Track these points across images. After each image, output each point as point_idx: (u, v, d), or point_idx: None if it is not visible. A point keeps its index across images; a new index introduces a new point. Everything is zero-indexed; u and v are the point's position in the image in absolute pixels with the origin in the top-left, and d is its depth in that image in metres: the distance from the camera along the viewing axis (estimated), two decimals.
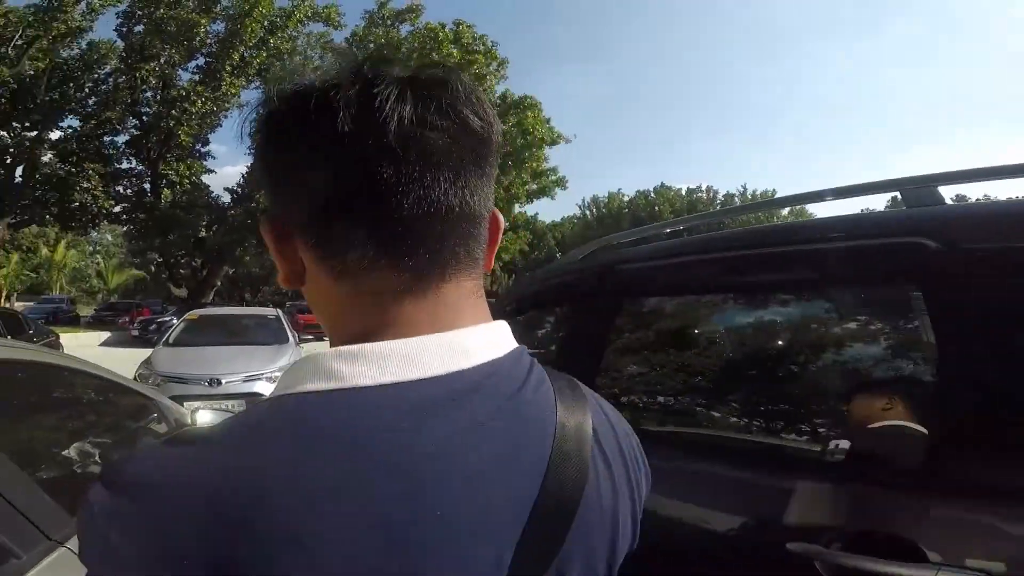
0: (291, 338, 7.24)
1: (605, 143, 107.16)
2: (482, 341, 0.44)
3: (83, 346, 16.21)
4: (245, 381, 5.75)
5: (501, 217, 0.51)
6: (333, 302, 0.45)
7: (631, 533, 0.51)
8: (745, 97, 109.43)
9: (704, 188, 54.19)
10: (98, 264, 51.61)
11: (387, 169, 0.40)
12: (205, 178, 23.14)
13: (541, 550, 0.41)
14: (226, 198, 24.21)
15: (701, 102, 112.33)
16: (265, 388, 5.68)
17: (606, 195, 55.09)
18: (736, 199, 52.49)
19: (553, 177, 28.53)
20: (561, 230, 60.11)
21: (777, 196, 51.94)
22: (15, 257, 42.16)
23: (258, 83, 22.58)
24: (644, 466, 0.55)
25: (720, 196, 53.34)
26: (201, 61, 20.42)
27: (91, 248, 52.09)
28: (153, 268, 28.11)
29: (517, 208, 32.03)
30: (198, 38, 19.02)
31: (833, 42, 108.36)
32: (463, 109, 0.43)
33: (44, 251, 44.56)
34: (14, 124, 19.73)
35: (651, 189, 54.05)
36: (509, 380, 0.44)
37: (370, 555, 0.34)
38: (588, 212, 56.08)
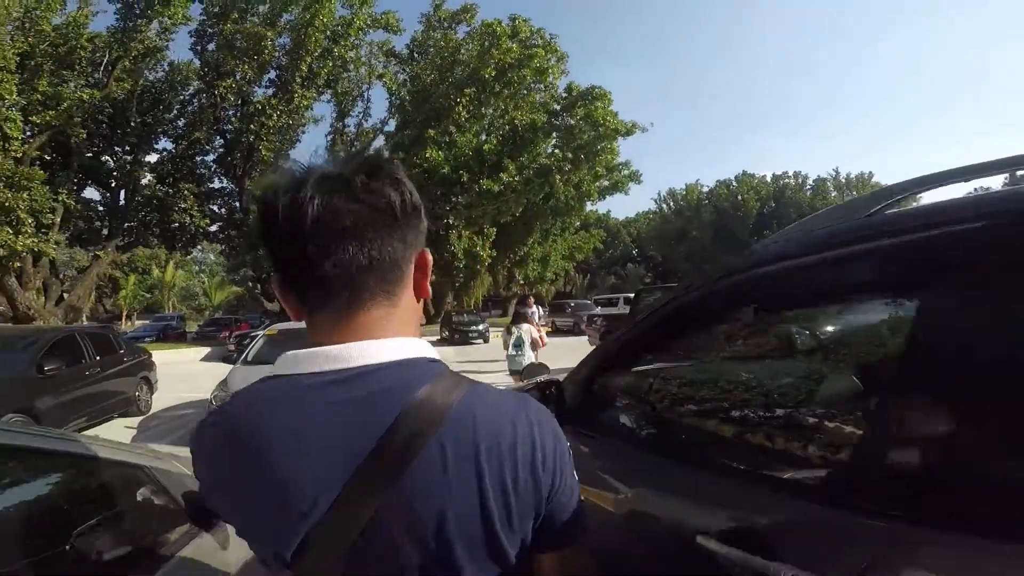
0: None
1: (677, 136, 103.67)
2: (367, 352, 0.63)
3: (186, 361, 17.05)
4: None
5: (429, 256, 0.70)
6: (307, 327, 0.68)
7: (478, 519, 0.60)
8: (832, 79, 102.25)
9: (792, 174, 50.65)
10: (203, 283, 55.53)
11: (309, 245, 0.61)
12: None
13: (363, 493, 0.58)
14: None
15: (780, 87, 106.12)
16: None
17: (683, 187, 52.49)
18: (829, 184, 48.93)
19: (626, 171, 27.30)
20: (636, 226, 58.16)
21: (874, 179, 48.26)
22: (132, 279, 46.10)
23: (329, 95, 23.24)
24: (529, 474, 0.62)
25: (810, 181, 49.77)
26: (273, 75, 21.33)
27: (197, 268, 56.28)
28: (249, 284, 29.58)
29: (589, 206, 30.94)
30: (266, 51, 19.81)
31: (929, 17, 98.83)
32: (363, 195, 0.62)
33: (156, 272, 48.46)
34: (115, 148, 21.35)
35: (732, 178, 50.79)
36: (380, 378, 0.61)
37: (226, 468, 0.63)
38: (665, 206, 53.88)
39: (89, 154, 20.71)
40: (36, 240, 15.38)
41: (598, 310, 22.29)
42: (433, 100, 20.24)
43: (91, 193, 22.72)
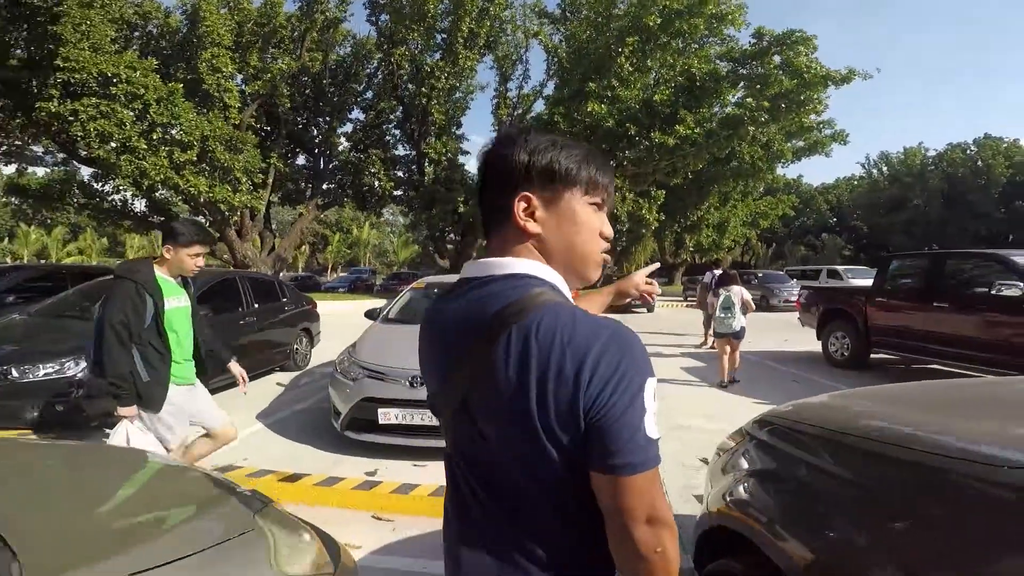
0: None
1: (887, 93, 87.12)
2: (494, 266, 0.85)
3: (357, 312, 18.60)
4: None
5: (524, 202, 0.86)
6: None
7: (534, 420, 0.74)
8: None
9: None
10: (392, 241, 61.48)
11: (480, 193, 0.92)
12: (462, 160, 24.96)
13: (459, 371, 0.82)
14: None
15: None
16: None
17: (899, 151, 44.17)
18: None
19: (829, 131, 23.14)
20: (835, 193, 50.53)
21: None
22: (337, 236, 52.71)
23: (491, 60, 23.27)
24: (570, 381, 0.72)
25: None
26: (439, 39, 21.94)
27: (389, 229, 62.39)
28: (426, 241, 31.53)
29: (779, 169, 27.11)
30: (430, 15, 20.32)
31: None
32: (496, 159, 0.88)
33: (355, 231, 54.63)
34: (318, 119, 23.87)
35: (971, 141, 41.94)
36: (496, 285, 0.83)
37: (422, 340, 0.95)
38: (876, 171, 45.82)
39: (299, 126, 23.50)
40: (250, 197, 17.71)
41: (793, 284, 19.61)
42: (591, 53, 18.75)
43: (301, 161, 25.85)
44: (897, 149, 45.81)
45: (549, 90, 23.19)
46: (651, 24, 17.17)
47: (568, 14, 22.22)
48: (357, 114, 24.95)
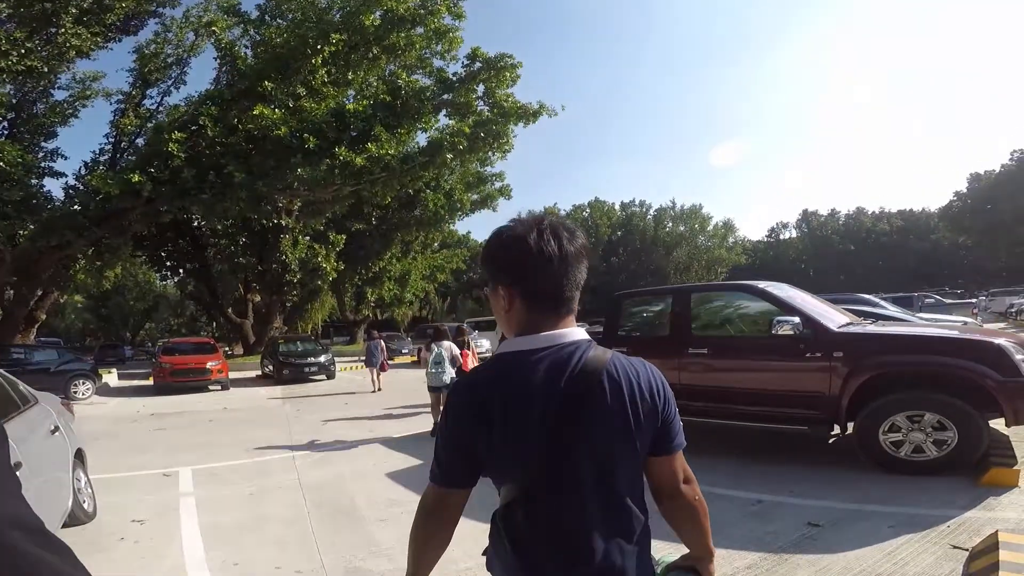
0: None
1: (535, 160, 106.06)
2: (572, 335, 1.07)
3: None
4: None
5: None
6: (527, 323, 1.10)
7: (627, 427, 1.04)
8: (669, 119, 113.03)
9: (638, 202, 53.73)
10: None
11: (554, 272, 1.08)
12: (45, 184, 17.14)
13: (568, 416, 1.00)
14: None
15: (627, 118, 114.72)
16: None
17: (541, 211, 52.48)
18: (669, 213, 52.62)
19: (499, 184, 24.72)
20: None
21: (704, 210, 52.63)
22: None
23: (133, 56, 17.15)
24: (650, 400, 1.06)
25: (652, 210, 53.10)
26: (37, 9, 14.65)
27: None
28: None
29: (457, 221, 27.66)
30: None
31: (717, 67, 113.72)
32: (575, 243, 1.11)
33: None
34: None
35: (586, 204, 52.76)
36: (574, 346, 1.06)
37: (502, 404, 1.03)
38: None
39: None
40: None
41: (476, 335, 19.10)
42: (280, 48, 15.06)
43: None
44: (539, 209, 54.00)
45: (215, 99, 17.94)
46: (368, 24, 14.45)
47: (267, 17, 17.39)
48: None
